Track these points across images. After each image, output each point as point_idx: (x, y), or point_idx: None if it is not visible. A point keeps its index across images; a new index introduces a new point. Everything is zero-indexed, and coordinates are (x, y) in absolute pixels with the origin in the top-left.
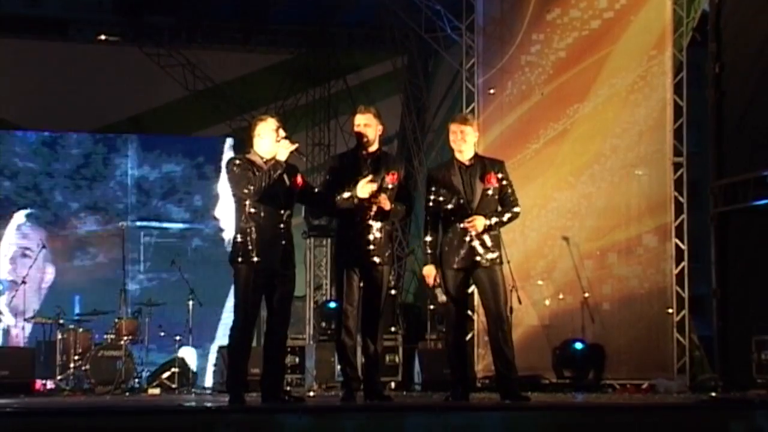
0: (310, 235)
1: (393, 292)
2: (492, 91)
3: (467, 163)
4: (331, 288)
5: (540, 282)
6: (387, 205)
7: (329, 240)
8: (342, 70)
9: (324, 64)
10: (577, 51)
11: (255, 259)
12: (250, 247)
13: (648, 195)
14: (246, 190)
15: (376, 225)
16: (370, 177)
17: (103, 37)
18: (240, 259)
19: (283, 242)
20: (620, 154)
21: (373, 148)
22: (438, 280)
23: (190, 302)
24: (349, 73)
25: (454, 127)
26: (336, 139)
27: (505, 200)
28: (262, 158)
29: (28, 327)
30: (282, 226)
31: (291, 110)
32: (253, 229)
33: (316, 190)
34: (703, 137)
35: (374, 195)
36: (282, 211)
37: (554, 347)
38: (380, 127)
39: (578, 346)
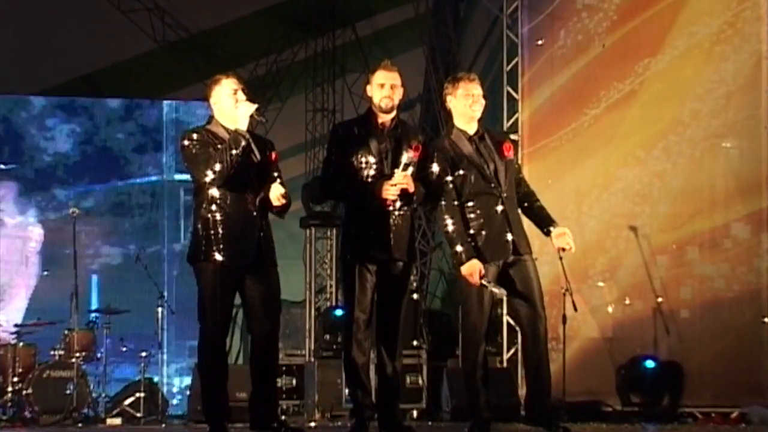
0: (310, 224)
1: (415, 296)
2: (540, 42)
3: (474, 133)
4: (337, 291)
5: (601, 284)
6: (411, 186)
7: (334, 230)
8: (351, 16)
9: (328, 9)
10: None
11: (221, 256)
12: (214, 242)
13: (738, 173)
14: (207, 174)
15: (395, 211)
16: (399, 176)
17: None
18: (202, 257)
19: (259, 233)
20: (702, 122)
21: (392, 114)
22: (483, 271)
23: (160, 309)
24: (359, 20)
25: (466, 88)
26: (343, 102)
27: (519, 180)
28: (226, 129)
29: None
30: (255, 212)
31: (286, 67)
32: (218, 218)
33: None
34: None
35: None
36: (254, 194)
37: (619, 366)
38: (401, 90)
39: (649, 364)
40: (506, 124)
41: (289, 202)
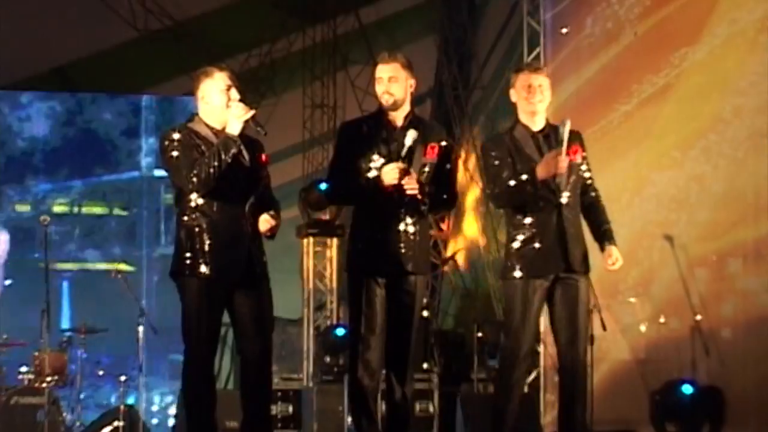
0: (308, 233)
1: (425, 313)
2: (565, 30)
3: (539, 130)
4: (338, 308)
5: (632, 299)
6: (414, 187)
7: (335, 240)
8: (353, 2)
9: None
10: None
11: (207, 270)
12: (199, 254)
13: None
14: (191, 181)
15: (409, 218)
16: (401, 164)
17: None
18: (187, 272)
19: (249, 243)
20: (746, 119)
21: (404, 111)
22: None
23: (140, 328)
24: (363, 6)
25: (524, 78)
26: (345, 98)
27: (587, 188)
28: (211, 129)
29: None
30: (244, 221)
31: (281, 58)
32: (204, 228)
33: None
34: None
35: (403, 175)
36: (243, 201)
37: (653, 391)
38: (412, 82)
39: (687, 389)
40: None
41: (278, 223)
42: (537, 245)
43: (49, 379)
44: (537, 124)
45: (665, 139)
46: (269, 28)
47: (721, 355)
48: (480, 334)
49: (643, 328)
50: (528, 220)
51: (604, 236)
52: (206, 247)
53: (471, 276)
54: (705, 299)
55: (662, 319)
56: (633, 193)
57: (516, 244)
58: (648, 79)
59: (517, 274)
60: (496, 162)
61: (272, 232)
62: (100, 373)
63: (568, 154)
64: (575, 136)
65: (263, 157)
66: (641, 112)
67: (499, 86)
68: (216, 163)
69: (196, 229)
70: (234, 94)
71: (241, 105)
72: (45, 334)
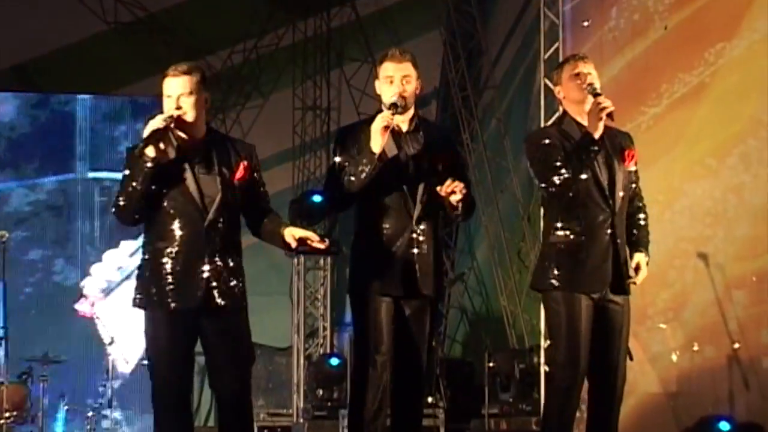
0: (299, 251)
1: None
2: (586, 23)
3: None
4: (332, 335)
5: (662, 325)
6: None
7: (329, 259)
8: None
9: None
10: None
11: (164, 299)
12: (154, 283)
13: None
14: (114, 206)
15: (420, 228)
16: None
17: None
18: (144, 302)
19: (213, 264)
20: None
21: (409, 114)
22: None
23: (110, 357)
24: None
25: (571, 67)
26: (340, 99)
27: (634, 195)
28: (173, 143)
29: None
30: (201, 243)
31: (269, 55)
32: (158, 254)
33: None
34: None
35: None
36: (205, 218)
37: (686, 428)
38: (419, 82)
39: (724, 426)
40: (543, 124)
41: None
42: (584, 255)
43: (7, 414)
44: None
45: (699, 145)
46: (255, 20)
47: (762, 387)
48: (491, 364)
49: (674, 357)
50: (577, 224)
51: (637, 243)
52: (161, 275)
53: (481, 298)
54: (744, 325)
55: (696, 348)
56: (663, 206)
57: (559, 247)
58: (680, 78)
59: (556, 282)
60: (548, 149)
61: (309, 247)
62: (65, 408)
63: (624, 159)
64: (627, 138)
65: (241, 167)
66: (672, 115)
67: (513, 86)
68: (130, 188)
69: (147, 256)
70: (168, 104)
71: (156, 119)
72: (3, 365)
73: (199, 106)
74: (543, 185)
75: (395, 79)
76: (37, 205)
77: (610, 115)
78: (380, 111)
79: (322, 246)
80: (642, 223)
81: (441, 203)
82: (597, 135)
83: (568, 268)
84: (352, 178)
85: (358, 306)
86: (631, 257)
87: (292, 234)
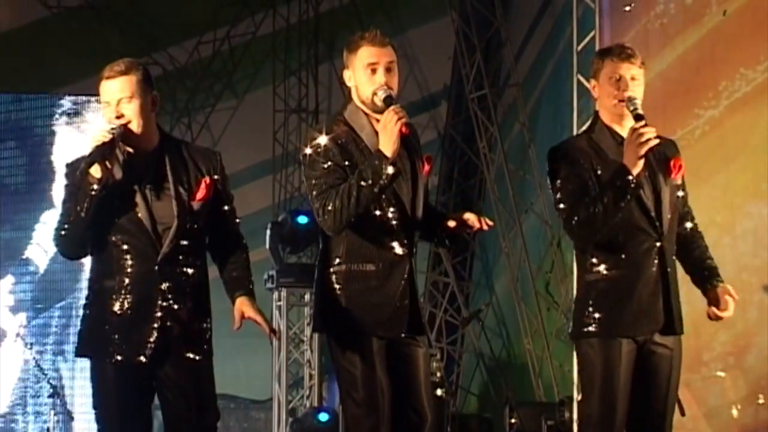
0: (281, 283)
1: (439, 392)
2: (628, 8)
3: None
4: (320, 385)
5: (720, 373)
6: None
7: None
8: None
9: None
10: None
11: (107, 348)
12: (98, 330)
13: None
14: (60, 235)
15: (415, 252)
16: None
17: None
18: (89, 353)
19: (169, 306)
20: None
21: None
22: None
23: (53, 412)
24: None
25: (612, 68)
26: (330, 100)
27: (684, 214)
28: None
29: None
30: (163, 278)
31: (244, 45)
32: (101, 296)
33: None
34: None
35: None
36: (159, 251)
37: None
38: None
39: None
40: (576, 130)
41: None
42: (629, 293)
43: None
44: (626, 129)
45: (765, 156)
46: (227, 5)
47: None
48: (513, 420)
49: (735, 412)
50: (618, 255)
51: (709, 275)
52: (106, 319)
53: (501, 340)
54: None
55: (761, 400)
56: (722, 230)
57: (599, 287)
58: (742, 75)
59: (594, 328)
60: (566, 175)
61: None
62: None
63: (670, 171)
64: (671, 145)
65: (202, 185)
66: (733, 120)
67: (540, 84)
68: (86, 202)
69: (92, 296)
70: (107, 112)
71: (99, 132)
72: None
73: (144, 110)
74: (564, 223)
75: (379, 67)
76: None
77: (652, 149)
78: (356, 110)
79: (272, 337)
80: (706, 252)
81: (430, 226)
82: (636, 171)
83: (611, 310)
84: (358, 193)
85: (337, 347)
86: (708, 291)
87: (241, 311)
